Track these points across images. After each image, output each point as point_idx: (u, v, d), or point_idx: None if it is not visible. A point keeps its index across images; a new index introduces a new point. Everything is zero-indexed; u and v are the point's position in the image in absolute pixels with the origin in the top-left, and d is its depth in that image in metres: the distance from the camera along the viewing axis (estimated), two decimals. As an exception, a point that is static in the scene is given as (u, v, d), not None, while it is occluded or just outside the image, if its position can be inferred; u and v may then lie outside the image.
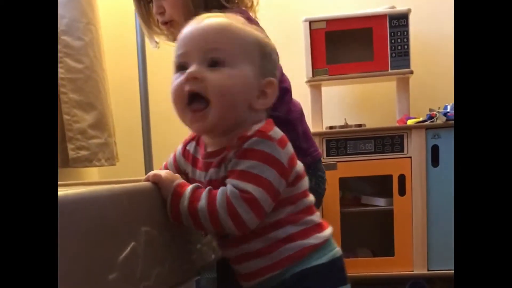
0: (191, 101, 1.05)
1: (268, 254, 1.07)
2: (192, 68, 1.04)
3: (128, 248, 0.88)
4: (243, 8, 1.62)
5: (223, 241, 1.12)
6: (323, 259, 1.11)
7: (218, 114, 1.04)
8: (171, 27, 1.63)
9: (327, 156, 2.63)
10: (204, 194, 1.01)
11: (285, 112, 1.52)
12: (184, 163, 1.19)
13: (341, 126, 2.77)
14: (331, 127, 2.76)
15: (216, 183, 1.06)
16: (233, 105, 1.06)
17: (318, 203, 1.61)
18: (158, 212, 1.02)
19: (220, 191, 1.00)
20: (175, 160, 1.23)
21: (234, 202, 0.98)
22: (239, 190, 0.99)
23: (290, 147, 1.08)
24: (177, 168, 1.21)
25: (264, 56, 1.11)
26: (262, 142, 1.02)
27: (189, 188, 1.03)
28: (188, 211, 1.01)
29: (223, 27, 1.08)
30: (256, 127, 1.04)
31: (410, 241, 2.61)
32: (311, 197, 1.14)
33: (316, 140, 2.58)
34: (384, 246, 2.79)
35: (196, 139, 1.18)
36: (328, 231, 1.14)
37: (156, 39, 1.79)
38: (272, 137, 1.04)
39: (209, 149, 1.13)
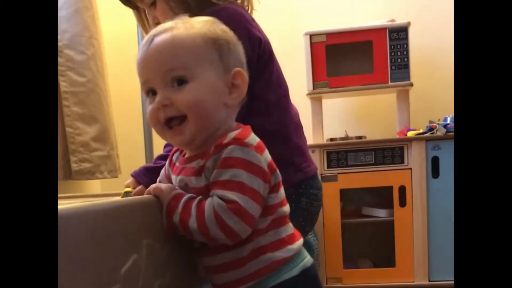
0: (168, 121, 1.08)
1: (241, 266, 1.08)
2: (158, 96, 1.06)
3: (130, 261, 0.89)
4: (236, 2, 1.59)
5: (202, 249, 1.11)
6: (294, 271, 1.10)
7: (194, 126, 1.07)
8: None
9: (327, 168, 2.64)
10: (193, 209, 1.02)
11: (278, 121, 1.50)
12: (170, 173, 1.20)
13: (341, 138, 2.78)
14: (331, 139, 2.77)
15: (199, 191, 1.07)
16: (206, 115, 1.07)
17: (311, 222, 1.57)
18: (159, 225, 1.03)
19: (207, 204, 1.01)
20: (165, 172, 1.24)
21: (223, 215, 0.99)
22: (225, 201, 1.00)
23: (267, 154, 1.09)
24: (169, 179, 1.22)
25: (221, 50, 1.10)
26: (240, 149, 1.03)
27: (182, 200, 1.04)
28: (180, 226, 1.03)
29: (171, 43, 1.07)
30: (233, 134, 1.05)
31: (411, 252, 2.62)
32: (287, 206, 1.14)
33: (317, 152, 2.60)
34: (385, 257, 2.79)
35: (180, 150, 1.20)
36: (299, 242, 1.14)
37: None
38: (249, 143, 1.05)
39: (186, 155, 1.15)
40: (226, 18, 1.37)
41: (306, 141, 1.60)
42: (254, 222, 1.03)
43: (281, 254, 1.09)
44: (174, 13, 1.53)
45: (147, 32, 1.72)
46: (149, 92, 1.09)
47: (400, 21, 2.72)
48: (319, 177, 1.63)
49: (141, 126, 2.74)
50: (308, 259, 1.14)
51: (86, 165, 2.58)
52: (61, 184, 2.62)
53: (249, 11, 1.62)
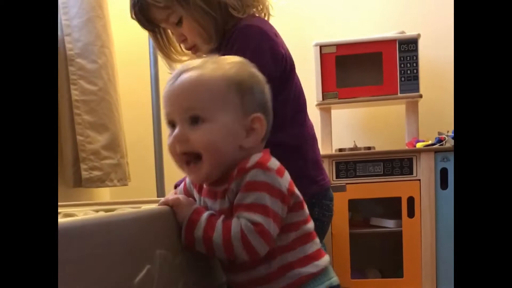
0: (185, 155, 1.12)
1: (269, 282, 1.12)
2: (176, 130, 1.10)
3: (144, 271, 0.91)
4: (256, 14, 1.63)
5: (230, 266, 1.15)
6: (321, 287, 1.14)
7: (209, 166, 1.10)
8: (196, 51, 1.64)
9: (336, 178, 2.65)
10: (218, 225, 1.06)
11: (295, 136, 1.54)
12: (193, 190, 1.24)
13: (350, 149, 2.79)
14: (340, 150, 2.78)
15: (222, 213, 1.10)
16: (220, 156, 1.11)
17: (322, 232, 1.60)
18: (172, 235, 1.05)
19: (234, 224, 1.05)
20: (185, 186, 1.27)
21: (249, 236, 1.03)
22: (252, 224, 1.04)
23: (287, 175, 1.12)
24: (187, 194, 1.24)
25: (244, 93, 1.12)
26: (262, 173, 1.07)
27: (204, 215, 1.07)
28: (202, 239, 1.05)
29: (193, 83, 1.10)
30: (255, 158, 1.08)
31: (419, 262, 2.62)
32: (311, 223, 1.17)
33: (326, 163, 2.61)
34: (393, 267, 2.79)
35: None
36: (325, 259, 1.17)
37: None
38: (270, 168, 1.08)
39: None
40: (249, 37, 1.41)
41: (320, 154, 1.63)
42: (273, 242, 1.08)
43: (308, 269, 1.13)
44: (202, 29, 1.56)
45: (163, 53, 1.73)
46: (170, 123, 1.14)
47: (410, 33, 2.73)
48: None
49: (151, 135, 2.75)
50: (335, 279, 1.17)
51: (96, 173, 2.60)
52: (71, 191, 2.64)
53: (266, 18, 1.65)
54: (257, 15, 1.63)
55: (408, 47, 2.68)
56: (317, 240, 1.18)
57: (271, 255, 1.09)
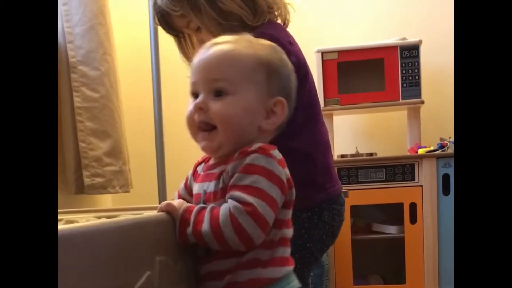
0: (202, 124, 1.12)
1: (232, 273, 1.07)
2: (198, 99, 1.11)
3: (144, 278, 0.91)
4: (275, 22, 1.63)
5: (203, 257, 1.11)
6: None
7: (223, 137, 1.10)
8: None
9: (338, 184, 2.65)
10: (206, 215, 1.03)
11: (305, 142, 1.52)
12: (193, 183, 1.22)
13: (352, 155, 2.79)
14: (342, 156, 2.78)
15: (216, 195, 1.09)
16: (236, 130, 1.11)
17: (333, 236, 1.58)
18: (172, 242, 1.04)
19: (222, 209, 1.02)
20: (186, 183, 1.26)
21: (239, 217, 1.00)
22: (242, 203, 1.01)
23: (287, 170, 1.10)
24: (189, 191, 1.23)
25: (271, 75, 1.14)
26: (264, 158, 1.06)
27: (194, 211, 1.05)
28: (192, 235, 1.03)
29: (224, 55, 1.12)
30: (258, 144, 1.08)
31: (421, 268, 2.62)
32: (291, 230, 1.14)
33: (328, 169, 2.61)
34: (395, 273, 2.79)
35: (205, 160, 1.22)
36: (289, 267, 1.13)
37: None
38: (273, 155, 1.07)
39: (210, 162, 1.18)
40: None
41: (332, 160, 1.61)
42: (268, 228, 1.04)
43: (271, 273, 1.09)
44: (217, 34, 1.57)
45: (186, 57, 1.73)
46: (194, 94, 1.14)
47: (411, 39, 2.74)
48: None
49: (153, 142, 2.75)
50: (295, 283, 1.14)
51: (99, 179, 2.60)
52: (74, 198, 2.64)
53: (285, 25, 1.66)
54: (275, 20, 1.64)
55: (409, 53, 2.69)
56: (288, 248, 1.14)
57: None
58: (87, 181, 2.56)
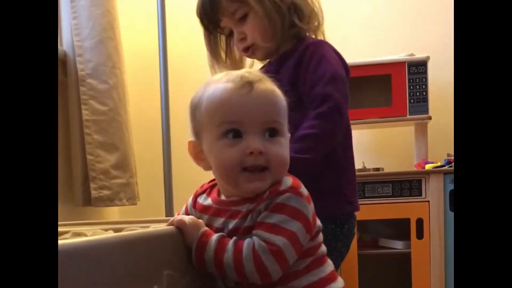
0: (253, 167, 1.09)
1: None
2: (256, 143, 1.07)
3: (151, 291, 0.91)
4: (319, 37, 1.69)
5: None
6: None
7: (274, 178, 1.09)
8: (253, 52, 1.68)
9: (345, 199, 2.64)
10: (230, 245, 1.04)
11: (340, 156, 1.58)
12: (196, 214, 1.21)
13: (359, 170, 2.78)
14: (349, 171, 2.77)
15: (238, 232, 1.09)
16: (284, 170, 1.11)
17: (347, 249, 1.64)
18: (180, 256, 1.05)
19: (246, 244, 1.03)
20: (186, 209, 1.25)
21: (262, 256, 1.01)
22: (267, 243, 1.02)
23: (312, 204, 1.11)
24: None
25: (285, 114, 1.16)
26: (294, 198, 1.06)
27: (214, 237, 1.06)
28: (213, 261, 1.04)
29: (274, 96, 1.11)
30: (288, 182, 1.08)
31: (428, 284, 2.60)
32: (324, 247, 1.16)
33: (335, 184, 2.61)
34: (401, 289, 2.78)
35: (207, 191, 1.21)
36: (340, 280, 1.16)
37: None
38: (302, 193, 1.08)
39: (231, 198, 1.15)
40: (319, 56, 1.52)
41: (355, 175, 1.66)
42: (287, 267, 1.05)
43: None
44: (269, 24, 1.61)
45: (213, 55, 1.75)
46: (229, 133, 1.09)
47: (419, 55, 2.74)
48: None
49: (161, 155, 2.76)
50: None
51: (106, 192, 2.61)
52: (81, 210, 2.65)
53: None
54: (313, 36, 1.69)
55: (417, 69, 2.69)
56: (330, 262, 1.17)
57: (285, 279, 1.07)
58: (94, 193, 2.57)
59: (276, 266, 1.02)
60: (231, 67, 1.74)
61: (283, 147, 1.10)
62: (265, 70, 1.61)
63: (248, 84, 1.09)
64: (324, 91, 1.48)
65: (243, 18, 1.62)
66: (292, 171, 1.14)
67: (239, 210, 1.11)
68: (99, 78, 2.59)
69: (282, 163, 1.10)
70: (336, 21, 3.13)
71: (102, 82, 2.60)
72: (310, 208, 1.09)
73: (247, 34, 1.64)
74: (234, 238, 1.06)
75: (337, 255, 1.59)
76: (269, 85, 1.12)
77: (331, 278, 1.14)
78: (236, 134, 1.09)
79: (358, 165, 2.85)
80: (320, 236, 1.15)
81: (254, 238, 1.03)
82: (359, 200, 2.58)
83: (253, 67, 1.78)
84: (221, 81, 1.12)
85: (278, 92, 1.13)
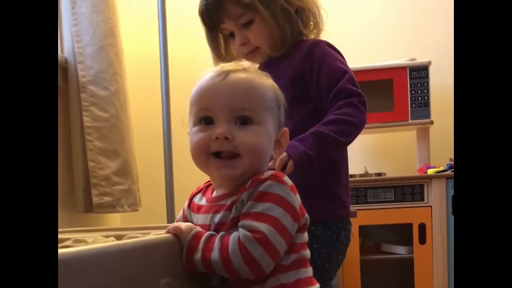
0: (217, 152, 1.09)
1: None
2: (221, 128, 1.08)
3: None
4: (322, 39, 1.69)
5: (220, 286, 1.11)
6: None
7: (248, 166, 1.09)
8: (254, 57, 1.66)
9: (347, 204, 2.64)
10: (216, 243, 1.03)
11: (336, 157, 1.59)
12: (191, 215, 1.21)
13: (361, 175, 2.78)
14: (351, 176, 2.75)
15: (226, 225, 1.08)
16: (259, 160, 1.11)
17: (344, 256, 1.63)
18: (178, 263, 1.04)
19: (231, 238, 1.02)
20: (184, 214, 1.25)
21: (248, 246, 0.99)
22: (252, 231, 1.00)
23: (298, 196, 1.10)
24: (185, 221, 1.21)
25: (280, 106, 1.16)
26: (277, 185, 1.05)
27: (203, 238, 1.05)
28: (201, 262, 1.03)
29: (249, 85, 1.11)
30: (270, 172, 1.08)
31: (431, 289, 2.60)
32: (308, 250, 1.14)
33: (336, 189, 2.60)
34: (404, 294, 2.78)
35: (202, 191, 1.21)
36: (317, 286, 1.14)
37: None
38: (286, 182, 1.07)
39: (218, 193, 1.15)
40: (335, 52, 1.60)
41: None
42: (279, 257, 1.04)
43: None
44: (278, 32, 1.61)
45: (216, 53, 1.74)
46: (202, 120, 1.11)
47: (420, 59, 2.74)
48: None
49: (162, 161, 2.76)
50: None
51: (107, 198, 2.61)
52: (82, 217, 2.64)
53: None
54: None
55: (419, 74, 2.69)
56: (310, 268, 1.14)
57: (268, 274, 1.04)
58: (95, 200, 2.56)
59: (265, 256, 1.00)
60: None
61: (256, 135, 1.09)
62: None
63: (223, 73, 1.11)
64: (348, 86, 1.54)
65: (248, 24, 1.62)
66: (325, 148, 1.29)
67: (224, 204, 1.11)
68: (100, 85, 2.59)
69: (253, 151, 1.09)
70: (337, 26, 3.12)
71: (103, 88, 2.60)
72: (296, 197, 1.07)
73: (250, 39, 1.64)
74: (221, 234, 1.05)
75: (334, 263, 1.58)
76: (247, 75, 1.12)
77: (307, 282, 1.11)
78: (208, 120, 1.10)
79: (360, 170, 2.87)
80: (305, 235, 1.13)
81: (240, 230, 1.02)
82: (361, 205, 2.61)
83: None
84: (206, 73, 1.14)
85: (257, 82, 1.12)
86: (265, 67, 1.60)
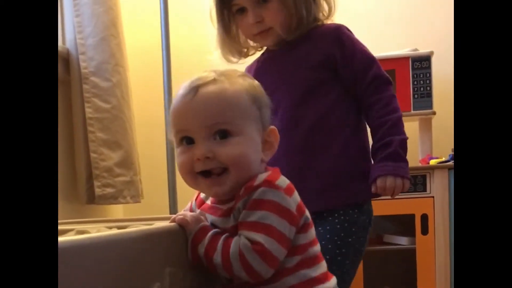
0: (204, 171, 1.09)
1: None
2: (200, 148, 1.07)
3: (153, 289, 0.91)
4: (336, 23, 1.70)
5: (228, 286, 1.12)
6: None
7: (235, 179, 1.08)
8: (266, 37, 1.63)
9: (349, 195, 2.63)
10: (219, 244, 1.03)
11: (366, 140, 1.67)
12: (197, 211, 1.21)
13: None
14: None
15: (226, 231, 1.08)
16: (248, 169, 1.09)
17: (365, 239, 1.63)
18: (182, 253, 1.05)
19: (234, 242, 1.02)
20: (191, 208, 1.25)
21: (247, 255, 1.00)
22: (251, 242, 1.01)
23: (297, 195, 1.09)
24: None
25: (260, 106, 1.14)
26: (270, 192, 1.04)
27: (209, 234, 1.06)
28: (204, 258, 1.04)
29: (220, 98, 1.08)
30: (262, 176, 1.07)
31: (433, 280, 2.59)
32: (318, 246, 1.14)
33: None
34: (406, 285, 2.77)
35: None
36: (332, 281, 1.14)
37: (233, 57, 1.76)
38: (279, 186, 1.06)
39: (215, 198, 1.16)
40: (356, 39, 1.62)
41: None
42: (277, 264, 1.04)
43: None
44: (295, 14, 1.58)
45: (227, 32, 1.68)
46: (183, 140, 1.10)
47: (423, 50, 2.73)
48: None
49: (164, 152, 2.76)
50: None
51: (110, 190, 2.61)
52: (84, 208, 2.65)
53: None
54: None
55: (421, 64, 2.68)
56: (323, 263, 1.14)
57: (273, 278, 1.05)
58: (98, 191, 2.57)
59: (263, 265, 1.01)
60: (236, 45, 1.73)
61: (238, 146, 1.08)
62: (273, 54, 1.67)
63: (192, 90, 1.09)
64: (382, 73, 1.62)
65: (265, 1, 1.57)
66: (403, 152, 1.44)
67: (219, 208, 1.12)
68: (102, 76, 2.59)
69: (239, 162, 1.08)
70: (339, 17, 3.11)
71: (105, 80, 2.60)
72: (291, 199, 1.07)
73: (265, 18, 1.59)
74: (225, 235, 1.06)
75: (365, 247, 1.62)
76: (217, 86, 1.09)
77: (320, 279, 1.11)
78: (189, 140, 1.10)
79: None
80: (312, 233, 1.13)
81: (241, 238, 1.03)
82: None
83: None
84: (180, 88, 1.13)
85: (228, 92, 1.09)
86: (283, 51, 1.63)
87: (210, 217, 1.13)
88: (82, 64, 2.57)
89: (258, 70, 1.69)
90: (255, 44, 1.74)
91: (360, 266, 2.62)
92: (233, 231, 1.07)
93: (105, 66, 2.60)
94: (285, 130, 1.49)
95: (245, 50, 1.75)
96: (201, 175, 1.09)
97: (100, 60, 2.59)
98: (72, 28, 2.61)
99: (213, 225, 1.11)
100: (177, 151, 1.12)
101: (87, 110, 2.56)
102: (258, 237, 1.01)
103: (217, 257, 1.03)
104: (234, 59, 1.74)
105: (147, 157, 3.06)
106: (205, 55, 1.84)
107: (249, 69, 1.74)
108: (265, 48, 1.74)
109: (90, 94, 2.57)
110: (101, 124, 2.58)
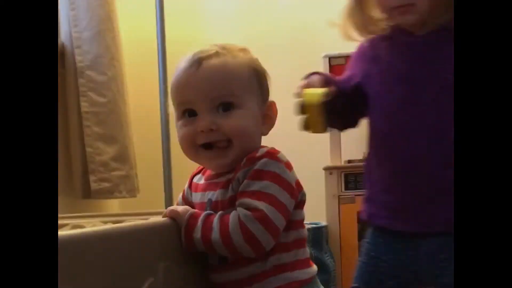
0: (206, 144, 1.10)
1: (261, 281, 1.07)
2: (203, 120, 1.09)
3: (146, 284, 0.90)
4: None
5: (220, 265, 1.11)
6: None
7: (238, 152, 1.09)
8: (404, 13, 1.32)
9: (345, 189, 2.63)
10: (215, 223, 1.03)
11: None
12: (191, 194, 1.22)
13: (360, 160, 2.77)
14: (350, 161, 2.76)
15: (223, 204, 1.09)
16: (250, 141, 1.11)
17: None
18: (176, 247, 1.05)
19: (231, 216, 1.03)
20: (184, 196, 1.25)
21: (248, 225, 1.00)
22: (251, 210, 1.01)
23: (294, 172, 1.10)
24: (187, 203, 1.23)
25: (261, 80, 1.16)
26: (272, 163, 1.06)
27: (201, 217, 1.05)
28: (201, 241, 1.03)
29: (223, 71, 1.10)
30: (265, 149, 1.09)
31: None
32: (305, 230, 1.15)
33: (335, 174, 2.60)
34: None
35: (202, 171, 1.22)
36: (314, 268, 1.15)
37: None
38: (280, 159, 1.08)
39: (213, 172, 1.16)
40: None
41: None
42: (279, 234, 1.04)
43: (300, 275, 1.10)
44: None
45: (359, 3, 1.46)
46: (185, 112, 1.12)
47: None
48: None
49: (160, 147, 2.75)
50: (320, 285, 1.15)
51: (106, 184, 2.60)
52: (80, 203, 2.64)
53: None
54: None
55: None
56: (307, 249, 1.15)
57: (269, 252, 1.06)
58: (94, 185, 2.56)
59: (266, 234, 1.01)
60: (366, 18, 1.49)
61: (241, 119, 1.10)
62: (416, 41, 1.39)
63: (196, 62, 1.10)
64: None
65: None
66: None
67: (218, 182, 1.12)
68: (98, 70, 2.58)
69: (242, 134, 1.10)
70: (336, 11, 3.11)
71: (101, 73, 2.59)
72: (291, 174, 1.08)
73: None
74: (220, 213, 1.06)
75: None
76: (220, 59, 1.11)
77: (306, 263, 1.13)
78: (191, 113, 1.11)
79: (359, 155, 2.86)
80: (303, 212, 1.13)
81: (238, 209, 1.03)
82: (360, 190, 2.60)
83: None
84: (181, 61, 1.14)
85: (231, 64, 1.11)
86: (440, 37, 1.33)
87: (210, 194, 1.13)
88: (78, 58, 2.56)
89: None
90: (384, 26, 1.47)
91: (356, 261, 2.62)
92: (229, 203, 1.07)
93: (100, 60, 2.59)
94: None
95: (372, 27, 1.50)
96: (202, 147, 1.11)
97: (96, 53, 2.58)
98: (67, 22, 2.60)
99: (215, 202, 1.11)
100: (178, 124, 1.13)
101: (83, 104, 2.56)
102: (260, 204, 1.02)
103: (215, 235, 1.02)
104: (356, 35, 1.53)
105: (143, 151, 3.05)
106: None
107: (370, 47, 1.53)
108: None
109: (86, 88, 2.56)
110: (97, 118, 2.58)
